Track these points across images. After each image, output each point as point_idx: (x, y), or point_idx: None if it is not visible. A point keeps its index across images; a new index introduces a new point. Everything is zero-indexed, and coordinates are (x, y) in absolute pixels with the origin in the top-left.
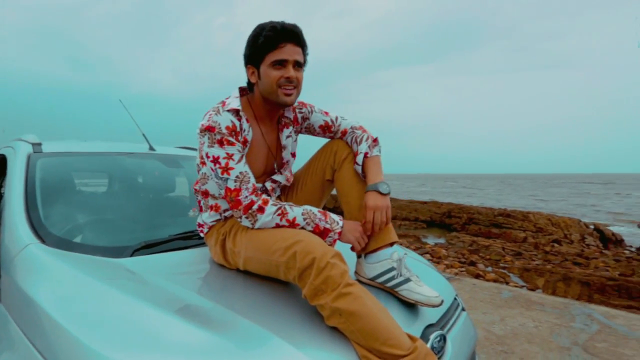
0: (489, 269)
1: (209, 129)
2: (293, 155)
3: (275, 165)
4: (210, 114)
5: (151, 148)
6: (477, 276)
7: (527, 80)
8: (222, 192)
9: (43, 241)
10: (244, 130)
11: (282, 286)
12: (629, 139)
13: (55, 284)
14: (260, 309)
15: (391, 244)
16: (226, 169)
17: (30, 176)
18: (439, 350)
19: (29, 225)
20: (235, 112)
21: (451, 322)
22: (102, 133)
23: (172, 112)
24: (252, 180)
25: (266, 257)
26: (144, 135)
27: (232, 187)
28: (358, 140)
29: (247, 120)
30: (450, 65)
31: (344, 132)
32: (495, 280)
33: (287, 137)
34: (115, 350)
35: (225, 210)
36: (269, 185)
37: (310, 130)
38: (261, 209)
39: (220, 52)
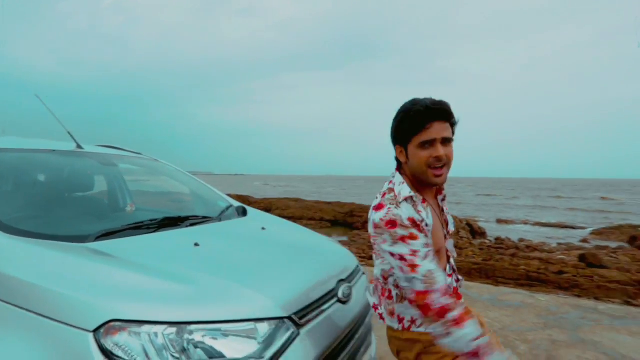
0: None
1: (390, 224)
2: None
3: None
4: (389, 208)
5: (79, 146)
6: None
7: (417, 94)
8: (411, 296)
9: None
10: (424, 216)
11: (236, 249)
12: (500, 149)
13: (33, 260)
14: (216, 268)
15: None
16: (413, 267)
17: None
18: (347, 295)
19: None
20: (412, 200)
21: (355, 279)
22: None
23: (54, 100)
24: (442, 279)
25: None
26: (69, 133)
27: (422, 289)
28: None
29: (423, 201)
30: (353, 74)
31: None
32: None
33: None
34: (106, 299)
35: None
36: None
37: None
38: (458, 322)
39: (109, 37)
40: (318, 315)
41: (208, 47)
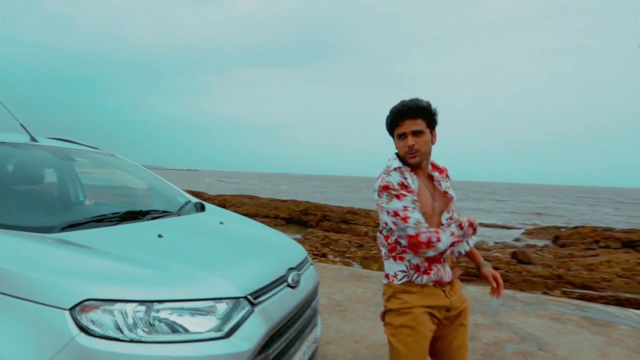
0: (337, 259)
1: (385, 189)
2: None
3: (436, 206)
4: (383, 177)
5: (33, 139)
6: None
7: (373, 96)
8: (405, 241)
9: None
10: (409, 182)
11: (202, 240)
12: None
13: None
14: (180, 256)
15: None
16: (404, 219)
17: None
18: (295, 281)
19: None
20: (400, 170)
21: (303, 268)
22: None
23: None
24: (425, 224)
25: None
26: (22, 125)
27: (412, 234)
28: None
29: (410, 171)
30: (311, 73)
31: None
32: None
33: (443, 181)
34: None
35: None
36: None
37: None
38: (439, 239)
39: (48, 13)
40: (270, 297)
41: (163, 34)
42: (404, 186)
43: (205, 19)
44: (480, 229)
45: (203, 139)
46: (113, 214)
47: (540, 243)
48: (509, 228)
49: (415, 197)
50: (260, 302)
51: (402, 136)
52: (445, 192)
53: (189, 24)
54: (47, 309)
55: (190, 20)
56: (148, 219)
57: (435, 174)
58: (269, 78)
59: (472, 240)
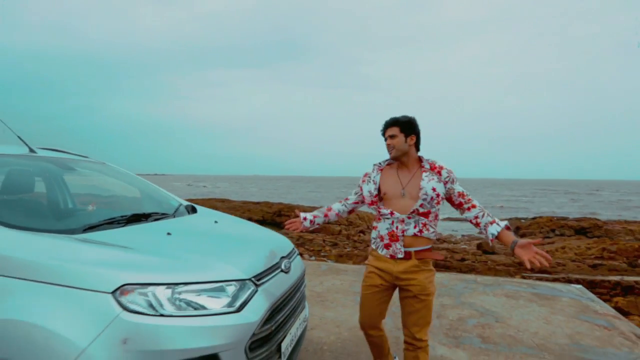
0: (313, 258)
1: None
2: (433, 189)
3: (403, 192)
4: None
5: (32, 150)
6: None
7: (341, 97)
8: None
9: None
10: (372, 175)
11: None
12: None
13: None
14: (191, 249)
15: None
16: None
17: None
18: (287, 267)
19: None
20: (374, 166)
21: (292, 257)
22: None
23: None
24: (346, 202)
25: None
26: (20, 137)
27: None
28: (487, 215)
29: (379, 170)
30: (279, 73)
31: (474, 206)
32: None
33: (427, 177)
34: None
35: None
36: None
37: (450, 194)
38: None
39: None
40: (269, 279)
41: (122, 33)
42: (366, 176)
43: (166, 18)
44: (448, 224)
45: (170, 142)
46: (121, 217)
47: None
48: None
49: (363, 187)
50: (262, 283)
51: (386, 138)
52: (420, 183)
53: (150, 23)
54: (94, 294)
55: (151, 19)
56: (151, 221)
57: (427, 172)
58: (237, 79)
59: (494, 229)
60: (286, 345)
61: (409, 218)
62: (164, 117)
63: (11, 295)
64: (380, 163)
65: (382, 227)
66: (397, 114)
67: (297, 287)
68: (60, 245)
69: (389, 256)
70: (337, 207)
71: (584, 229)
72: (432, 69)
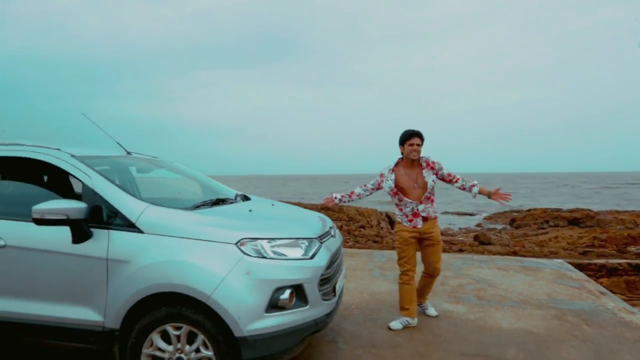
0: None
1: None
2: (433, 181)
3: (415, 185)
4: (382, 172)
5: (128, 153)
6: None
7: (334, 94)
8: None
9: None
10: (386, 173)
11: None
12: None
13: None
14: (272, 218)
15: None
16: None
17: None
18: (334, 234)
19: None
20: (390, 167)
21: (334, 227)
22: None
23: None
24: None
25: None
26: (118, 143)
27: None
28: (467, 180)
29: (391, 170)
30: (271, 72)
31: (458, 179)
32: None
33: (426, 173)
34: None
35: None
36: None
37: (442, 176)
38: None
39: None
40: (326, 240)
41: (113, 34)
42: (381, 175)
43: (156, 18)
44: (446, 217)
45: (163, 143)
46: (210, 200)
47: (499, 226)
48: (471, 215)
49: (379, 180)
50: (324, 241)
51: (412, 145)
52: (424, 178)
53: (141, 23)
54: (224, 245)
55: (142, 19)
56: (228, 204)
57: (425, 169)
58: (229, 79)
59: (476, 189)
60: (339, 287)
61: (421, 203)
62: (156, 119)
63: (169, 247)
64: (390, 166)
65: (405, 209)
66: (393, 111)
67: (339, 248)
68: (194, 216)
69: (412, 227)
70: (358, 190)
71: (577, 219)
72: (425, 64)
